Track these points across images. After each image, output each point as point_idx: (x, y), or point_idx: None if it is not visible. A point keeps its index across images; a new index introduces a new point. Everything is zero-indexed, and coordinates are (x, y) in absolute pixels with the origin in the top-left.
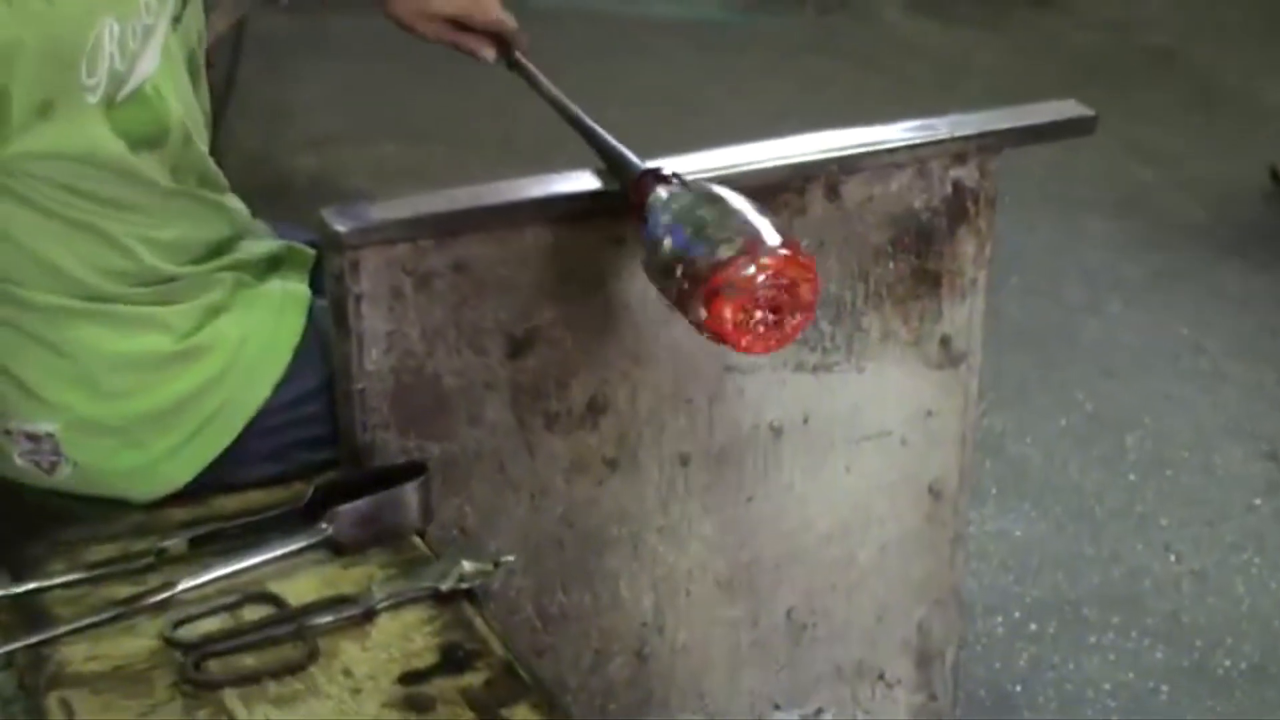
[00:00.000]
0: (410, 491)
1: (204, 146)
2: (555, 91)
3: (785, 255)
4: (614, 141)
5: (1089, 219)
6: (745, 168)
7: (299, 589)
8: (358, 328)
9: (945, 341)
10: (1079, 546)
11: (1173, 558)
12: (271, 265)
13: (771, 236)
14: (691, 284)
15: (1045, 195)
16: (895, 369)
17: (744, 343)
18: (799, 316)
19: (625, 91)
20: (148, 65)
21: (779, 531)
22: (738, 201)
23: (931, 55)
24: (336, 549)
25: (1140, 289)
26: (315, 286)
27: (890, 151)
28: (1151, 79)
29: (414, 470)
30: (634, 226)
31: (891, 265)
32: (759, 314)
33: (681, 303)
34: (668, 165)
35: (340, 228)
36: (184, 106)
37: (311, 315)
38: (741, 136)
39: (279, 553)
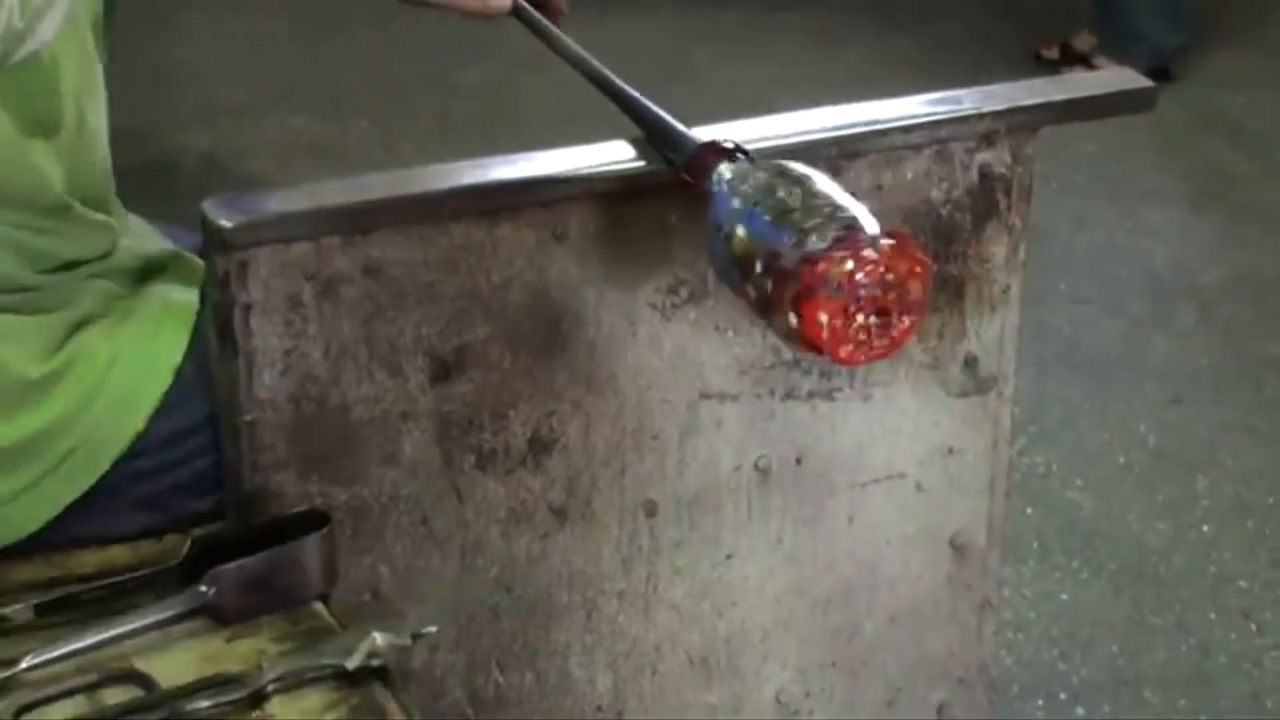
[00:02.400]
0: (310, 547)
1: (103, 145)
2: (575, 47)
3: (891, 246)
4: (657, 108)
5: (1155, 211)
6: None
7: (173, 667)
8: (246, 345)
9: (970, 363)
10: (1139, 614)
11: (1254, 628)
12: (152, 271)
13: (870, 224)
14: (777, 283)
15: (1101, 181)
16: (909, 397)
17: (843, 352)
18: (908, 320)
19: (597, 55)
20: (50, 27)
21: (766, 596)
22: (823, 182)
23: (970, 8)
24: (219, 617)
25: (1218, 298)
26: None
27: (902, 131)
28: (1237, 36)
29: (315, 521)
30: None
31: None
32: (860, 318)
33: (763, 306)
34: (730, 136)
35: (225, 222)
36: (83, 86)
37: (198, 331)
38: (728, 110)
39: (148, 621)
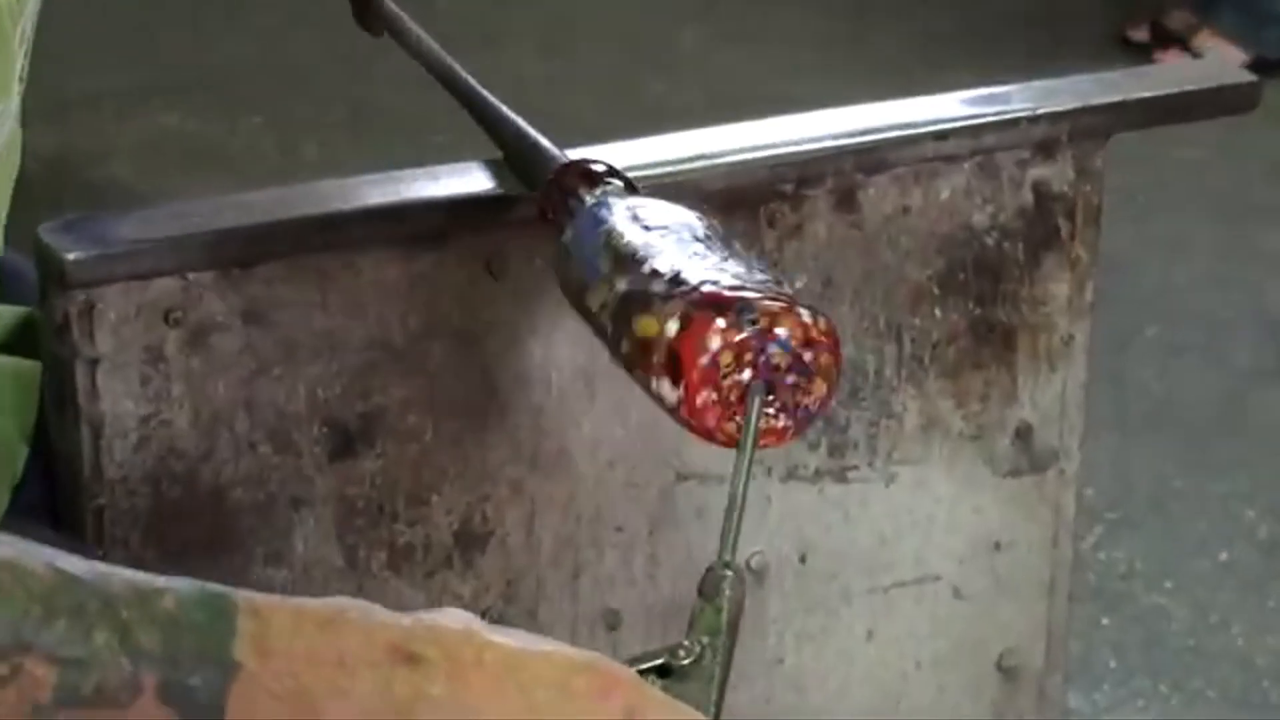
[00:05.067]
0: None
1: None
2: (428, 41)
3: (779, 308)
4: (518, 119)
5: (1272, 235)
6: (707, 164)
7: None
8: (92, 411)
9: (1023, 434)
10: None
11: None
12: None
13: (751, 276)
14: (636, 351)
15: (1202, 197)
16: (944, 478)
17: (726, 434)
18: (815, 395)
19: (564, 35)
20: None
21: None
22: (683, 219)
23: None
24: None
25: None
26: None
27: (935, 137)
28: None
29: None
30: (550, 252)
31: (939, 315)
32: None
33: (641, 376)
34: (604, 156)
35: (67, 254)
36: None
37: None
38: (724, 109)
39: None
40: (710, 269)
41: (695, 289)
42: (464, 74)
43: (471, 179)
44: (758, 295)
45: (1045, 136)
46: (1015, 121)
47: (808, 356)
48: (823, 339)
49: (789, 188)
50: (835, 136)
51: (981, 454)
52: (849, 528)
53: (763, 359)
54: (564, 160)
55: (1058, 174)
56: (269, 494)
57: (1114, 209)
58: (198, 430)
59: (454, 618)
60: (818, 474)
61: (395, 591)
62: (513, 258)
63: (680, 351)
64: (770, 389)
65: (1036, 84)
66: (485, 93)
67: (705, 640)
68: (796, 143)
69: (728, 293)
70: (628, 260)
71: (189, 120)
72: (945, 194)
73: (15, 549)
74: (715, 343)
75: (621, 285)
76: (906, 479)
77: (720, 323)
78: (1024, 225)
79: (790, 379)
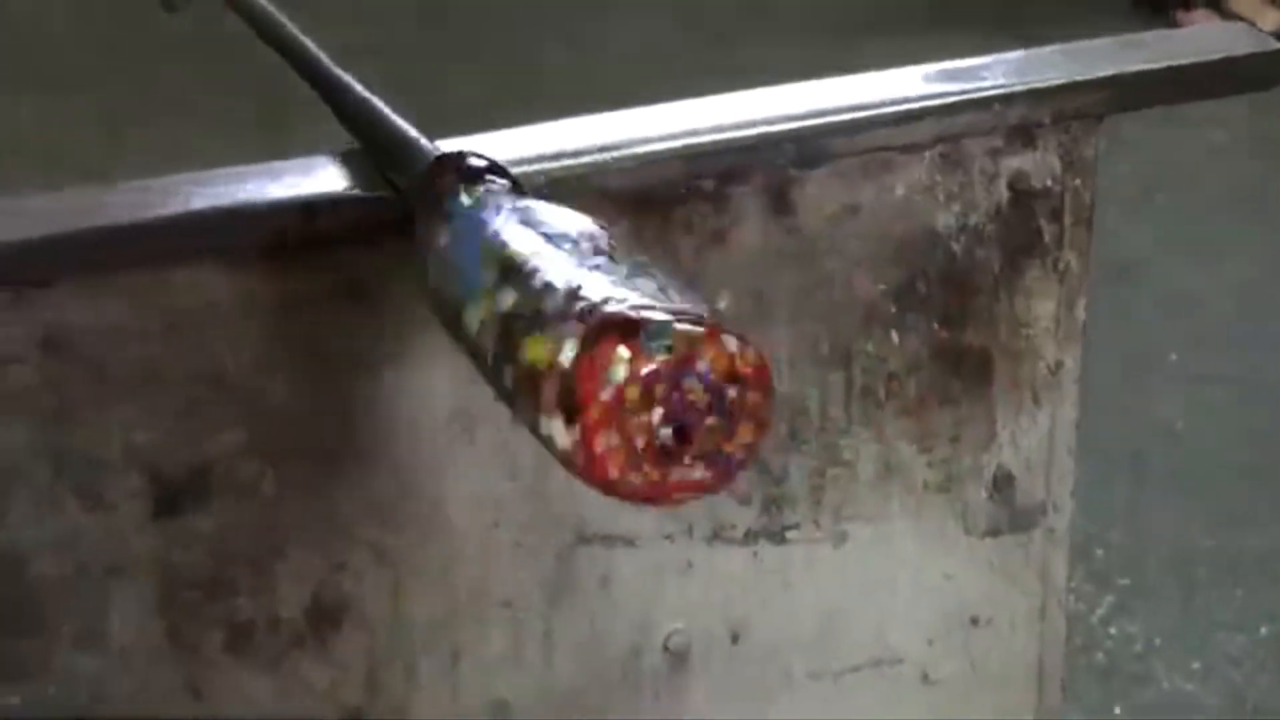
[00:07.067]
0: None
1: None
2: (278, 17)
3: (698, 333)
4: (380, 103)
5: None
6: (611, 156)
7: None
8: None
9: (1003, 483)
10: None
11: None
12: None
13: (663, 293)
14: (523, 382)
15: (1234, 190)
16: (908, 537)
17: (630, 487)
18: (740, 440)
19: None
20: None
21: None
22: (582, 226)
23: None
24: None
25: None
26: None
27: (891, 122)
28: None
29: None
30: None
31: (896, 339)
32: (662, 435)
33: (527, 414)
34: (484, 148)
35: None
36: None
37: None
38: (631, 90)
39: None
40: (614, 284)
41: (596, 307)
42: (310, 45)
43: (323, 176)
44: (671, 317)
45: (1023, 120)
46: (986, 101)
47: (732, 394)
48: (750, 372)
49: (710, 185)
50: (766, 122)
51: (952, 509)
52: (790, 599)
53: (677, 396)
54: (437, 153)
55: (1039, 165)
56: (79, 561)
57: (1124, 207)
58: None
59: None
60: (750, 535)
61: (234, 681)
62: (374, 275)
63: (577, 383)
64: (686, 433)
65: (1012, 55)
66: (339, 70)
67: None
68: (719, 130)
69: (634, 313)
70: (515, 271)
71: (8, 103)
72: (901, 190)
73: None
74: (620, 373)
75: (507, 300)
76: (860, 539)
77: (624, 350)
78: (999, 228)
79: (710, 420)
